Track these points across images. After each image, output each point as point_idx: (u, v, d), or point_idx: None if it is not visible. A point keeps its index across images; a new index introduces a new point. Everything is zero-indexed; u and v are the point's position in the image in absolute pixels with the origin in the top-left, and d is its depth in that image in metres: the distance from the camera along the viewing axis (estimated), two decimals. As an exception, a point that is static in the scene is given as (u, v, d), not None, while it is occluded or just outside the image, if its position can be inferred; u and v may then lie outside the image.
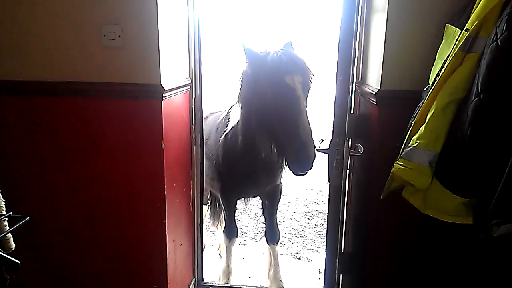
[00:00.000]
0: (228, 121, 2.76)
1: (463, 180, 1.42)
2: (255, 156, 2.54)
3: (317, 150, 2.03)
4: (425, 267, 1.96)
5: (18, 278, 1.26)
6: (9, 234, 1.20)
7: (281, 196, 3.12)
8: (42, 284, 2.35)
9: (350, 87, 2.16)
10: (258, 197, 3.16)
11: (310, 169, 2.17)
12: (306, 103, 2.26)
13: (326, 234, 2.05)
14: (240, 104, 2.46)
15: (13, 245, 1.22)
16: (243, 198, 3.17)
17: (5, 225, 1.19)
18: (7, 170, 2.16)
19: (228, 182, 2.86)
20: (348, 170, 2.21)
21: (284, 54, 2.29)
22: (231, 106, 2.85)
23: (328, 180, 1.92)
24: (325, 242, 2.14)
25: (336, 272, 2.17)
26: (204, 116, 3.24)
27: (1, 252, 1.13)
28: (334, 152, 1.85)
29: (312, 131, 2.17)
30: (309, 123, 2.18)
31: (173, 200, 2.28)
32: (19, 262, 1.11)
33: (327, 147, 1.91)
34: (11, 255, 1.14)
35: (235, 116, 2.67)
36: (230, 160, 2.70)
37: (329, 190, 1.99)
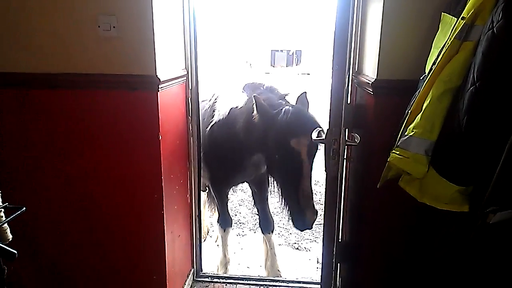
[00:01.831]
0: (214, 112, 2.78)
1: (459, 168, 1.42)
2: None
3: (313, 139, 2.04)
4: (421, 255, 1.98)
5: (14, 272, 1.26)
6: (6, 225, 1.20)
7: (270, 184, 3.15)
8: (38, 276, 2.36)
9: (347, 77, 2.15)
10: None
11: (309, 229, 2.32)
12: (312, 164, 2.30)
13: (323, 223, 2.07)
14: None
15: (10, 236, 1.23)
16: (232, 187, 3.22)
17: (1, 216, 1.19)
18: (2, 162, 2.16)
19: (216, 172, 2.89)
20: (344, 160, 2.22)
21: (294, 115, 2.29)
22: (216, 97, 2.87)
23: (325, 170, 1.93)
24: (322, 232, 2.15)
25: (334, 260, 2.18)
26: None
27: None
28: (331, 141, 1.85)
29: (312, 194, 2.26)
30: (310, 186, 2.25)
31: (171, 191, 2.28)
32: (16, 252, 1.11)
33: (324, 137, 1.91)
34: (7, 246, 1.14)
35: (224, 106, 2.70)
36: (216, 150, 2.73)
37: (326, 180, 1.99)
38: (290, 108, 2.35)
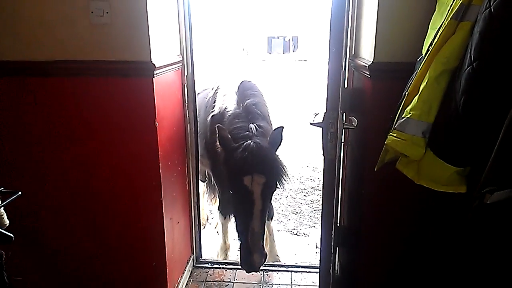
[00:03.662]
0: (215, 102, 2.78)
1: (456, 149, 1.42)
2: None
3: (311, 124, 2.03)
4: (419, 238, 1.99)
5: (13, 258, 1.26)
6: (2, 210, 1.20)
7: None
8: (37, 263, 2.37)
9: (344, 60, 2.14)
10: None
11: (255, 271, 2.30)
12: (265, 203, 2.22)
13: (322, 207, 2.07)
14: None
15: (7, 222, 1.23)
16: None
17: None
18: (0, 151, 2.15)
19: (217, 160, 2.88)
20: (342, 144, 2.22)
21: (254, 151, 2.19)
22: (218, 86, 2.86)
23: (323, 154, 1.92)
24: (320, 217, 2.16)
25: (332, 244, 2.20)
26: (196, 92, 3.24)
27: None
28: (328, 125, 1.84)
29: (261, 236, 2.21)
30: (260, 227, 2.18)
31: (169, 178, 2.28)
32: (12, 235, 1.12)
33: (321, 120, 1.90)
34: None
35: (222, 100, 2.70)
36: (216, 139, 2.72)
37: (324, 164, 1.99)
38: (252, 143, 2.24)
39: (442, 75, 1.45)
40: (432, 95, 1.47)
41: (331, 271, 2.24)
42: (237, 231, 2.38)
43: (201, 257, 2.95)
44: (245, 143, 2.23)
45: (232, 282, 2.72)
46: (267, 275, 2.79)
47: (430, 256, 1.92)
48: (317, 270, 2.44)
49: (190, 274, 2.78)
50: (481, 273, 1.52)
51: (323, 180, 2.02)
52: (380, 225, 2.12)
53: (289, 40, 32.27)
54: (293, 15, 30.71)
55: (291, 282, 2.74)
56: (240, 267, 2.84)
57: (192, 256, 2.86)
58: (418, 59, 1.67)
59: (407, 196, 1.85)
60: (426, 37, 1.68)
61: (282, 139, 2.34)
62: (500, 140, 1.25)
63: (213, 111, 2.76)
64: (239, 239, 2.36)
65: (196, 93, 3.16)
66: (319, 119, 1.96)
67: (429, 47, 1.53)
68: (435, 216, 1.85)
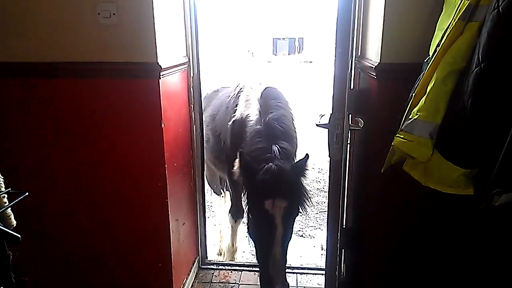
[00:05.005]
0: (236, 106, 2.69)
1: (464, 150, 1.41)
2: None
3: (317, 125, 2.01)
4: (425, 240, 1.98)
5: (20, 259, 1.27)
6: (10, 210, 1.20)
7: None
8: (45, 264, 2.38)
9: (350, 61, 2.13)
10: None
11: None
12: (287, 229, 2.09)
13: (327, 208, 2.06)
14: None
15: (14, 222, 1.23)
16: None
17: (5, 202, 1.19)
18: (8, 150, 2.17)
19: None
20: (348, 145, 2.20)
21: (275, 174, 2.08)
22: (240, 89, 2.78)
23: (329, 155, 1.91)
24: (326, 219, 2.14)
25: (338, 246, 2.19)
26: (215, 89, 3.20)
27: (0, 225, 1.13)
28: (334, 126, 1.83)
29: (285, 262, 2.05)
30: (283, 253, 2.04)
31: (175, 179, 2.28)
32: (19, 236, 1.12)
33: (327, 122, 1.89)
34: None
35: (243, 106, 2.62)
36: (237, 146, 2.67)
37: (330, 165, 1.98)
38: (274, 166, 2.11)
39: (449, 76, 1.44)
40: (439, 96, 1.46)
41: (336, 273, 2.23)
42: (257, 259, 2.22)
43: (207, 258, 2.95)
44: (266, 166, 2.12)
45: (238, 283, 2.71)
46: (272, 276, 2.78)
47: (437, 258, 1.90)
48: (323, 272, 2.43)
49: (196, 275, 2.79)
50: (488, 275, 1.51)
51: (329, 181, 2.01)
52: (386, 227, 2.11)
53: (295, 41, 32.27)
54: (299, 17, 30.71)
55: (297, 284, 2.73)
56: (246, 268, 2.85)
57: (198, 257, 2.86)
58: (425, 60, 1.66)
59: (413, 197, 1.84)
60: (434, 38, 1.67)
61: (306, 169, 2.22)
62: (509, 141, 1.24)
63: (234, 115, 2.66)
64: (259, 270, 2.21)
65: (215, 89, 3.10)
66: (325, 120, 1.95)
67: (436, 48, 1.52)
68: (441, 218, 1.84)
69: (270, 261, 2.00)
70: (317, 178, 5.34)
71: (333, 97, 1.83)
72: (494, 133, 1.30)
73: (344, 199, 2.32)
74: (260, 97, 2.58)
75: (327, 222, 2.08)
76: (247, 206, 2.26)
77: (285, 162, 2.21)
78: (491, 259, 1.52)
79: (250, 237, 2.29)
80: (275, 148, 2.25)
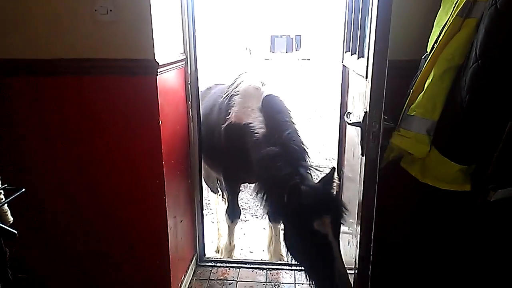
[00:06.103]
0: (231, 108, 2.65)
1: (461, 147, 1.42)
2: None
3: (348, 124, 1.94)
4: (425, 235, 1.98)
5: (21, 260, 1.26)
6: (6, 207, 1.20)
7: None
8: (43, 260, 2.38)
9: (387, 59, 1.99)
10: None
11: None
12: (339, 241, 2.09)
13: (361, 215, 1.95)
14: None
15: (11, 219, 1.23)
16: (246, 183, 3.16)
17: (1, 198, 1.19)
18: (10, 147, 2.16)
19: (231, 169, 2.84)
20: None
21: (315, 195, 2.10)
22: (235, 88, 2.73)
23: (362, 154, 1.83)
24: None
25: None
26: (208, 86, 3.16)
27: None
28: (371, 125, 1.72)
29: (348, 273, 2.01)
30: (343, 265, 2.01)
31: (172, 176, 2.28)
32: (16, 232, 1.11)
33: (360, 120, 1.80)
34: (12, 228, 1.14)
35: (241, 111, 2.57)
36: (232, 150, 2.65)
37: (364, 164, 1.86)
38: (309, 189, 2.14)
39: (446, 73, 1.44)
40: (436, 93, 1.47)
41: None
42: (308, 273, 2.18)
43: (205, 255, 2.95)
44: (305, 189, 2.11)
45: (236, 280, 2.71)
46: (270, 273, 2.78)
47: (437, 253, 1.91)
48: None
49: (194, 272, 2.78)
50: (485, 269, 1.52)
51: (364, 181, 1.88)
52: (387, 222, 2.10)
53: (292, 39, 32.24)
54: (297, 14, 30.68)
55: (295, 280, 2.73)
56: (243, 265, 2.85)
57: (196, 254, 2.86)
58: (422, 57, 1.67)
59: (410, 194, 1.84)
60: (431, 34, 1.67)
61: (334, 181, 2.25)
62: (505, 137, 1.24)
63: (228, 118, 2.63)
64: (315, 282, 2.14)
65: (207, 86, 3.07)
66: (356, 118, 1.85)
67: (434, 44, 1.53)
68: (438, 213, 1.84)
69: (336, 275, 1.98)
70: (316, 176, 5.32)
71: (370, 94, 1.73)
72: (491, 129, 1.31)
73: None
74: (261, 106, 2.54)
75: (361, 225, 1.97)
76: (287, 229, 2.24)
77: (314, 181, 2.29)
78: (488, 253, 1.53)
79: (295, 259, 2.26)
80: (302, 171, 2.30)
